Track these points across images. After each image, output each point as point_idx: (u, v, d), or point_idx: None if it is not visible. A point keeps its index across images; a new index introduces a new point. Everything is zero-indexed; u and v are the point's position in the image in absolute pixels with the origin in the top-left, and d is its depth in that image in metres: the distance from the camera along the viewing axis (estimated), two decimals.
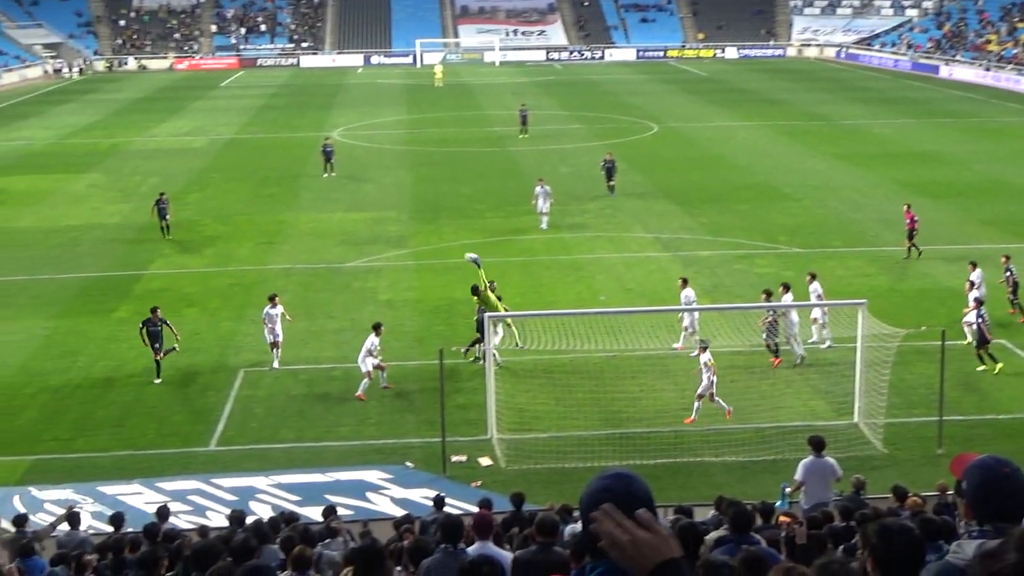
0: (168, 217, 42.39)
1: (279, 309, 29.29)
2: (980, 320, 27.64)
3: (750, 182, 51.73)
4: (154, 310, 28.52)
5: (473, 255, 30.63)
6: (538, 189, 43.06)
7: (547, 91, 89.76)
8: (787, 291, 29.28)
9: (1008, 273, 31.57)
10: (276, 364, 28.99)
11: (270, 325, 29.04)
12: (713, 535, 12.44)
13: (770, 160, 57.79)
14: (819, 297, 29.88)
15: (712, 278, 36.35)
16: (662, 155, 59.78)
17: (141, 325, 28.32)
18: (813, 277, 30.60)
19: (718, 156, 59.23)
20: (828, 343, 29.56)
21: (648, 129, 69.34)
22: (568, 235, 41.82)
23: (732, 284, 35.62)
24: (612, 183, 48.57)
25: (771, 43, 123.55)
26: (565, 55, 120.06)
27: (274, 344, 29.09)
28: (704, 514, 17.39)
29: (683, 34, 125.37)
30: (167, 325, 28.40)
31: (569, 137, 66.24)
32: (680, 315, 29.79)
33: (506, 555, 11.61)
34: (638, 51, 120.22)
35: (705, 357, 25.19)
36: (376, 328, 27.61)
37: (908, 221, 37.42)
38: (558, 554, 10.04)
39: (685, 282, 30.69)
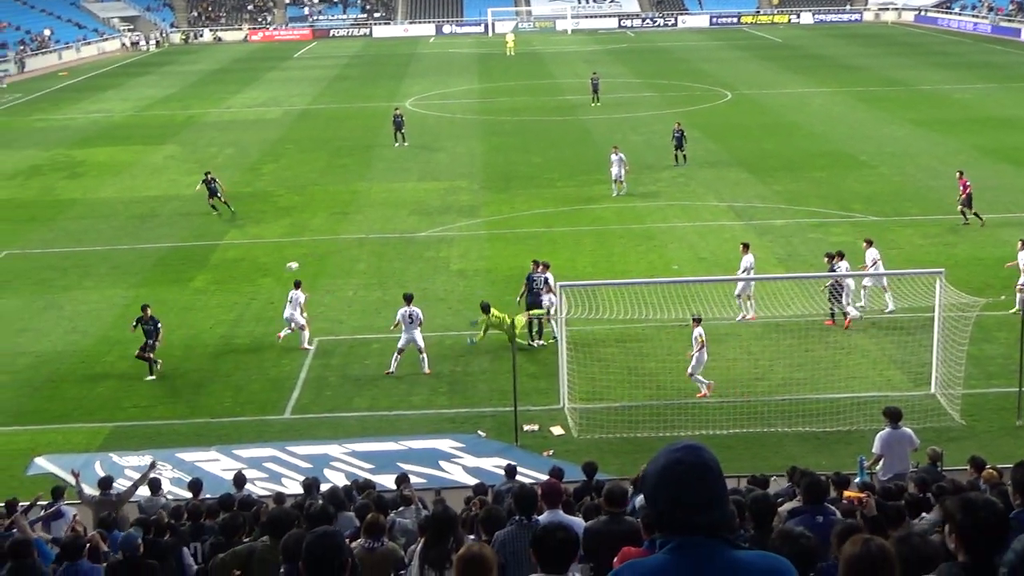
0: (220, 195, 42.13)
1: (301, 296, 28.97)
2: None
3: (825, 149, 51.07)
4: (144, 308, 27.82)
5: (293, 264, 31.04)
6: (613, 157, 42.92)
7: (619, 59, 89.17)
8: (841, 259, 28.93)
9: None
10: (308, 344, 28.87)
11: (293, 309, 28.80)
12: (787, 506, 12.36)
13: (846, 127, 56.99)
14: (876, 263, 29.51)
15: (786, 247, 35.99)
16: (735, 123, 59.19)
17: (135, 323, 27.66)
18: (870, 243, 30.25)
19: (793, 123, 58.53)
20: (890, 307, 29.28)
21: (721, 96, 68.66)
22: (640, 204, 41.61)
23: (807, 253, 35.22)
24: (682, 152, 48.18)
25: (847, 7, 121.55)
26: (637, 22, 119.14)
27: (301, 327, 28.84)
28: (777, 485, 17.29)
29: (757, 0, 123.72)
30: (156, 328, 27.42)
31: (641, 105, 65.81)
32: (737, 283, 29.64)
33: (579, 522, 11.64)
34: (711, 17, 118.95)
35: (697, 332, 24.87)
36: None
37: (962, 188, 36.83)
38: (628, 523, 10.05)
39: (746, 247, 30.38)
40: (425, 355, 26.94)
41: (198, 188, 42.83)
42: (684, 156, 48.20)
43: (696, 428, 23.12)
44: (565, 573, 6.68)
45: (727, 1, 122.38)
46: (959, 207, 37.09)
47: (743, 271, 29.81)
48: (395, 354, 26.94)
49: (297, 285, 28.96)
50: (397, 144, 54.45)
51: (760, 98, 67.50)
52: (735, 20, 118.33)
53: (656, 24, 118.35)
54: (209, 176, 42.55)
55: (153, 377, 27.39)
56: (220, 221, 41.51)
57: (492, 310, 27.50)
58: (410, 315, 26.85)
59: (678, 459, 4.04)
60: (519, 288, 29.55)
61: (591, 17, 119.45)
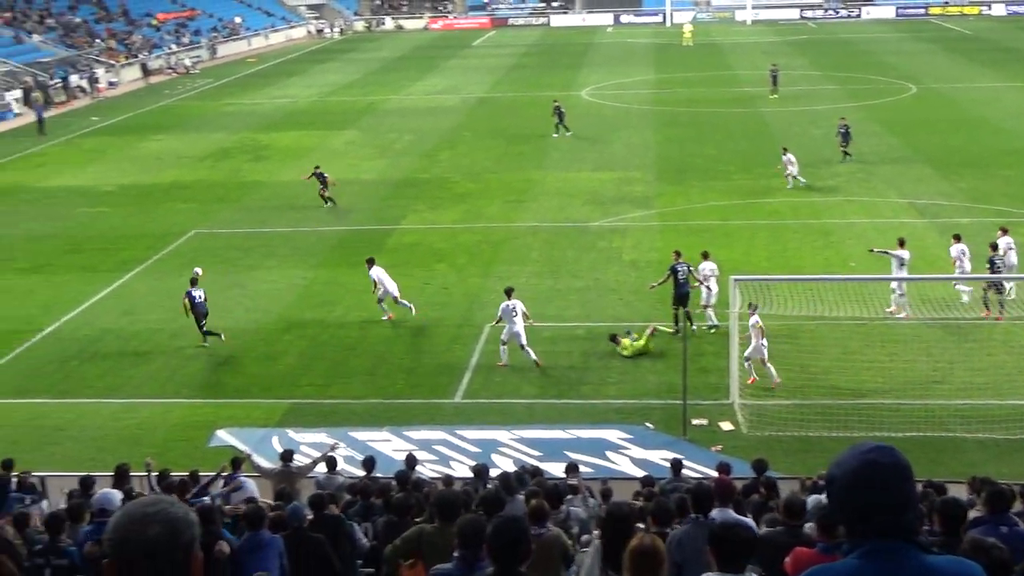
0: (327, 190, 42.31)
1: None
2: None
3: (1016, 146, 49.15)
4: (193, 280, 29.35)
5: (198, 269, 30.87)
6: (784, 158, 42.22)
7: (799, 50, 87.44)
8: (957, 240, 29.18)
9: None
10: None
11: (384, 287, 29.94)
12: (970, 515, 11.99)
13: None
14: (964, 256, 28.97)
15: (970, 247, 34.76)
16: (920, 117, 57.43)
17: (186, 296, 28.85)
18: (958, 238, 29.65)
19: (981, 119, 56.48)
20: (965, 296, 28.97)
21: (906, 90, 66.68)
22: (818, 199, 40.81)
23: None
24: (846, 148, 46.88)
25: None
26: (820, 13, 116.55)
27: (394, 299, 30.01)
28: (954, 493, 16.80)
29: None
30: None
31: (821, 98, 64.42)
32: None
33: (751, 522, 11.53)
34: (897, 8, 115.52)
35: (754, 320, 24.61)
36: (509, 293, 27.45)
37: None
38: (806, 536, 9.90)
39: (902, 243, 29.43)
40: (529, 349, 26.73)
41: (307, 179, 43.00)
42: (847, 153, 46.85)
43: (870, 429, 22.59)
44: (743, 572, 6.63)
45: None
46: None
47: (898, 265, 28.96)
48: (501, 346, 27.02)
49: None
50: (556, 135, 54.55)
51: (947, 92, 65.31)
52: (922, 11, 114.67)
53: (839, 15, 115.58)
54: (318, 169, 42.89)
55: (207, 344, 28.82)
56: (397, 206, 42.30)
57: (622, 341, 27.28)
58: (512, 308, 26.85)
59: (873, 460, 3.95)
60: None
61: (771, 7, 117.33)
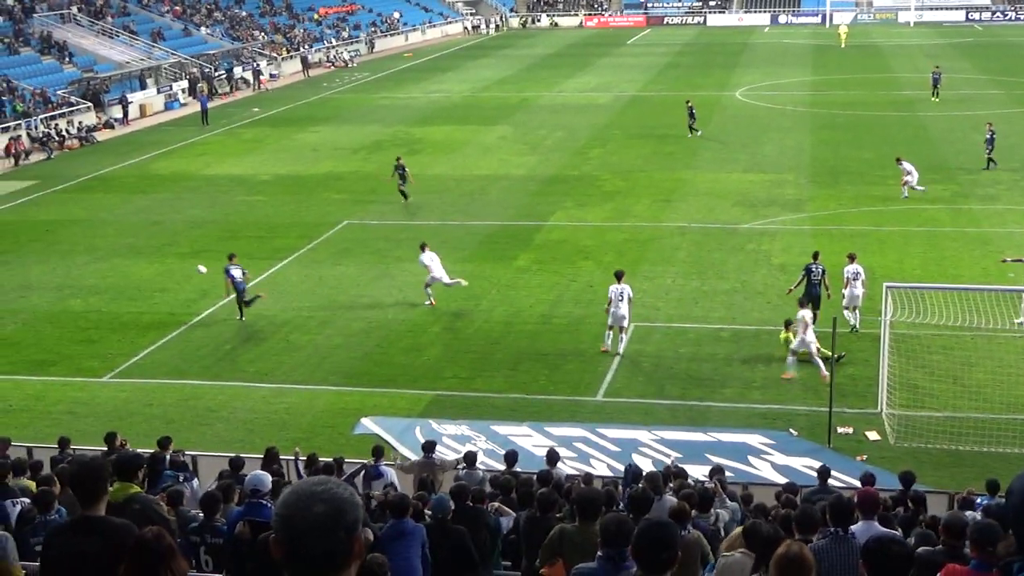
0: (405, 185, 42.59)
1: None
2: None
3: None
4: (231, 256, 31.21)
5: (202, 268, 32.16)
6: (901, 167, 41.20)
7: (964, 53, 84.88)
8: None
9: None
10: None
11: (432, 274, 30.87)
12: None
13: None
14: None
15: None
16: None
17: (226, 275, 30.50)
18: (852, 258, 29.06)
19: None
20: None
21: None
22: (977, 207, 39.60)
23: None
24: (991, 155, 45.51)
25: None
26: (987, 15, 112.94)
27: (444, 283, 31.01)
28: None
29: None
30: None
31: (985, 103, 62.43)
32: None
33: (903, 538, 11.27)
34: None
35: (801, 314, 25.82)
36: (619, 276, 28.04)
37: None
38: (965, 557, 9.63)
39: None
40: (625, 335, 27.67)
41: (391, 177, 43.19)
42: (992, 160, 45.47)
43: None
44: None
45: None
46: None
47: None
48: (607, 331, 27.74)
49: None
50: (691, 135, 54.05)
51: None
52: None
53: (1007, 17, 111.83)
54: (400, 161, 43.14)
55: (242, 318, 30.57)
56: (546, 202, 42.47)
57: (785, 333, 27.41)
58: (620, 292, 27.38)
59: None
60: (838, 285, 28.70)
61: (936, 9, 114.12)
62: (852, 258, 29.03)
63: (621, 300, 27.30)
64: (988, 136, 45.80)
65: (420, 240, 32.65)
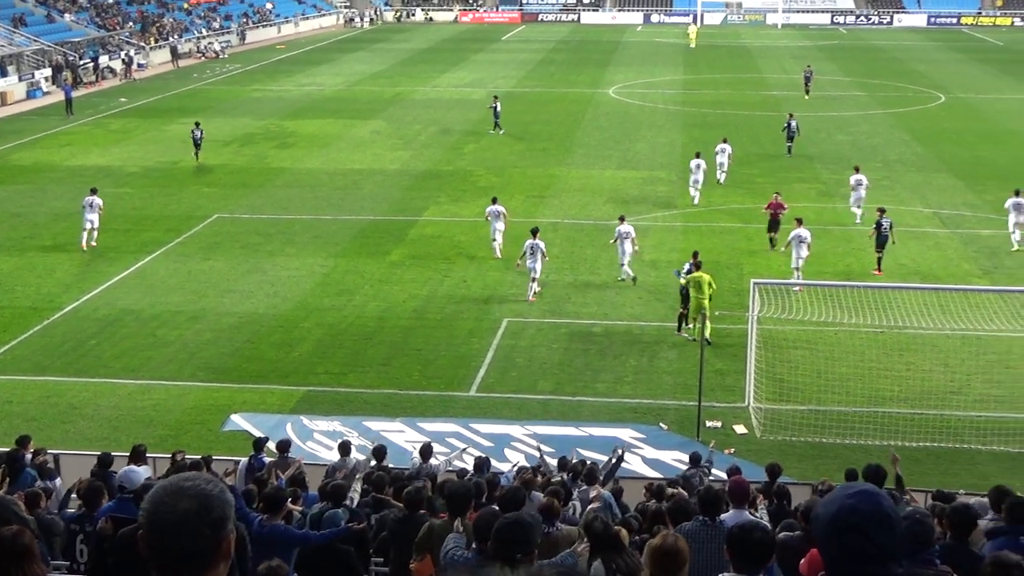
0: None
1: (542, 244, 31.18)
2: None
3: None
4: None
5: None
6: (695, 163, 41.96)
7: (829, 56, 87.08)
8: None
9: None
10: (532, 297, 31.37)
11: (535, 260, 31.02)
12: (985, 525, 11.93)
13: None
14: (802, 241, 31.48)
15: (993, 259, 34.67)
16: (947, 127, 57.13)
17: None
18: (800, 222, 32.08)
19: (1010, 131, 56.13)
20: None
21: (934, 99, 66.35)
22: (841, 205, 40.60)
23: (1014, 266, 33.86)
24: (791, 145, 49.19)
25: None
26: (851, 19, 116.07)
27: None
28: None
29: (979, 0, 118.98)
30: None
31: (849, 104, 64.17)
32: None
33: (766, 524, 11.49)
34: (929, 17, 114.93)
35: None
36: (535, 232, 30.98)
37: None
38: None
39: (800, 222, 32.10)
40: (536, 285, 30.82)
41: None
42: (790, 148, 49.07)
43: (884, 438, 22.54)
44: (758, 575, 6.60)
45: (947, 1, 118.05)
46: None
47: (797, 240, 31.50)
48: (530, 283, 30.66)
49: (534, 233, 31.09)
50: (492, 132, 54.91)
51: (976, 103, 64.96)
52: (955, 20, 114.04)
53: (870, 22, 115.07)
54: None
55: None
56: (420, 197, 42.41)
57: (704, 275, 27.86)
58: (532, 247, 30.44)
59: (852, 507, 3.76)
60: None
61: (803, 12, 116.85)
62: (799, 221, 32.13)
63: (533, 254, 30.29)
64: (788, 125, 49.09)
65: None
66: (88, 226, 35.85)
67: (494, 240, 34.91)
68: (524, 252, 30.79)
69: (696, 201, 41.18)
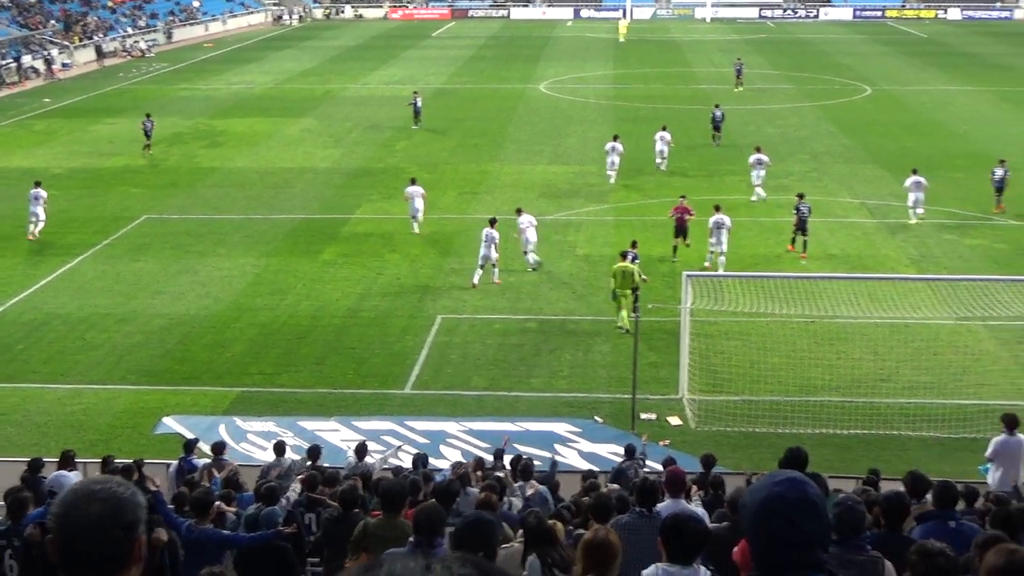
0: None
1: (496, 234, 31.98)
2: None
3: (967, 150, 49.68)
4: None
5: None
6: (610, 145, 44.19)
7: (758, 49, 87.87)
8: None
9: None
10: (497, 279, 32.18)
11: (487, 249, 31.70)
12: (915, 510, 12.09)
13: (991, 128, 55.32)
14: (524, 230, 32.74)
15: (920, 247, 35.20)
16: (874, 119, 57.91)
17: None
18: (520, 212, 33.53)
19: (934, 122, 57.04)
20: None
21: (861, 91, 67.23)
22: (771, 197, 40.98)
23: (940, 255, 34.42)
24: (719, 134, 50.47)
25: (997, 4, 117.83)
26: (778, 12, 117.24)
27: (493, 264, 31.98)
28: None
29: None
30: None
31: (778, 97, 64.82)
32: None
33: (703, 513, 11.57)
34: (855, 10, 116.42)
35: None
36: (493, 222, 31.95)
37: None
38: None
39: (718, 208, 33.25)
40: (497, 268, 31.68)
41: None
42: (718, 137, 50.34)
43: (816, 426, 22.83)
44: (692, 565, 6.63)
45: None
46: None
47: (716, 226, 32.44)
48: (477, 269, 31.36)
49: (492, 223, 32.04)
50: (415, 127, 55.25)
51: (901, 95, 65.91)
52: (880, 14, 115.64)
53: (797, 15, 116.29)
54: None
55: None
56: (352, 195, 42.22)
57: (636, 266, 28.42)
58: (487, 235, 31.30)
59: (779, 494, 3.77)
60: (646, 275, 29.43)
61: (731, 6, 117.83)
62: (718, 208, 32.94)
63: (488, 242, 31.29)
64: (713, 115, 50.71)
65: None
66: (34, 219, 36.52)
67: (413, 218, 36.63)
68: (484, 240, 31.60)
69: (612, 181, 43.18)
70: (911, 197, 37.90)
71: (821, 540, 3.83)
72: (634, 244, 30.23)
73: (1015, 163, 46.77)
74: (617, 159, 43.40)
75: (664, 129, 46.48)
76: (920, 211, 37.88)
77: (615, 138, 44.31)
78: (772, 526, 3.77)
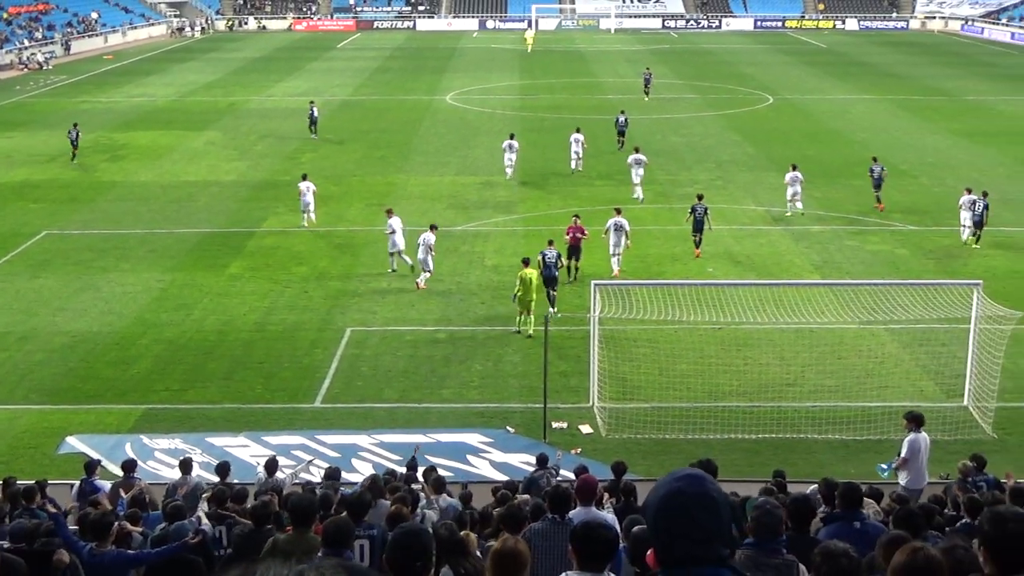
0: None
1: (432, 238, 32.63)
2: None
3: (866, 157, 50.41)
4: None
5: None
6: (506, 143, 46.45)
7: (662, 59, 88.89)
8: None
9: None
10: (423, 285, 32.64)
11: (425, 253, 32.44)
12: (821, 511, 12.28)
13: (888, 135, 56.59)
14: (394, 232, 33.74)
15: (822, 253, 35.82)
16: (776, 127, 58.90)
17: None
18: (390, 212, 34.60)
19: (834, 130, 58.17)
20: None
21: (763, 100, 68.34)
22: (677, 206, 41.45)
23: (843, 260, 35.05)
24: (623, 139, 51.94)
25: (893, 15, 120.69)
26: (681, 23, 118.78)
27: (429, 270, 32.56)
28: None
29: (803, 4, 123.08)
30: None
31: (683, 106, 65.60)
32: None
33: (613, 519, 11.61)
34: (756, 21, 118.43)
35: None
36: (433, 228, 32.83)
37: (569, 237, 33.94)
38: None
39: (618, 211, 34.42)
40: (424, 276, 32.36)
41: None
42: (622, 143, 51.63)
43: (725, 432, 23.07)
44: (603, 572, 6.63)
45: (772, 5, 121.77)
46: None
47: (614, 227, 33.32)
48: (423, 272, 32.30)
49: (432, 228, 32.90)
50: (313, 136, 55.60)
51: (802, 103, 67.14)
52: (779, 24, 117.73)
53: (700, 26, 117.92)
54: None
55: None
56: (257, 208, 41.80)
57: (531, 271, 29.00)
58: (423, 240, 32.29)
59: (679, 489, 3.84)
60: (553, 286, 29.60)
61: (635, 17, 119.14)
62: (618, 211, 34.05)
63: (428, 248, 32.11)
64: (617, 120, 52.34)
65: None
66: None
67: (304, 212, 38.38)
68: (419, 244, 32.46)
69: (509, 176, 45.84)
70: (789, 191, 40.16)
71: (720, 535, 3.87)
72: (550, 243, 31.08)
73: (910, 170, 48.01)
74: (514, 156, 45.79)
75: (578, 131, 47.89)
76: (799, 204, 39.94)
77: (511, 136, 46.74)
78: (672, 520, 3.83)
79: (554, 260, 30.41)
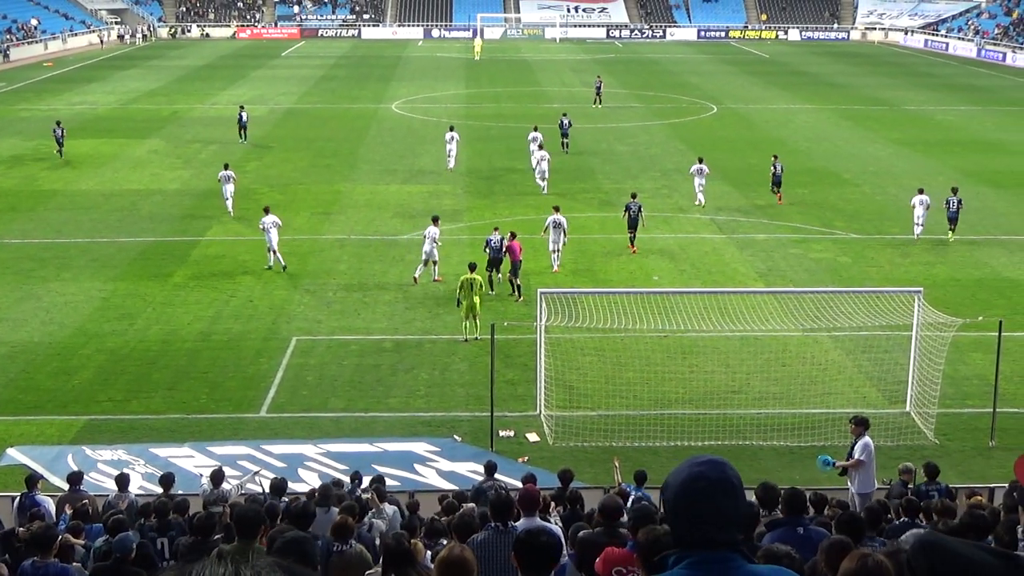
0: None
1: (436, 231, 33.22)
2: None
3: (808, 166, 51.25)
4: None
5: None
6: (532, 134, 48.42)
7: (607, 69, 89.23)
8: (557, 211, 35.10)
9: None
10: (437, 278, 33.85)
11: (431, 245, 33.09)
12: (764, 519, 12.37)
13: (830, 144, 57.23)
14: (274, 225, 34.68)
15: (767, 261, 36.13)
16: (720, 136, 59.36)
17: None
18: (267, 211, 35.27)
19: (777, 139, 58.66)
20: None
21: (707, 110, 68.86)
22: (623, 214, 41.61)
23: (787, 268, 35.37)
24: (567, 140, 53.59)
25: (835, 26, 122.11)
26: (626, 33, 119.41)
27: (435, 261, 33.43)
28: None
29: (745, 15, 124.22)
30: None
31: (628, 115, 65.94)
32: None
33: (557, 529, 11.62)
34: (699, 31, 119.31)
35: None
36: (435, 220, 33.47)
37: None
38: (623, 536, 10.06)
39: (557, 209, 35.64)
40: (437, 266, 33.44)
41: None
42: (566, 144, 53.24)
43: (671, 439, 23.18)
44: None
45: (715, 15, 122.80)
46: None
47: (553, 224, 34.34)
48: (420, 265, 33.10)
49: (435, 221, 33.40)
50: (241, 141, 55.72)
51: (746, 113, 67.74)
52: (723, 34, 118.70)
53: (644, 36, 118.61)
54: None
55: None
56: (202, 217, 41.47)
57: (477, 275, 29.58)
58: (428, 233, 32.89)
59: (700, 474, 3.96)
60: (499, 294, 29.62)
61: (580, 26, 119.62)
62: (556, 209, 35.06)
63: (433, 241, 32.68)
64: (560, 123, 53.77)
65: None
66: None
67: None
68: (423, 237, 33.40)
69: (451, 167, 49.24)
70: (696, 182, 42.94)
71: (737, 520, 4.01)
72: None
73: (853, 179, 48.59)
74: (455, 148, 48.37)
75: (535, 129, 49.38)
76: (701, 197, 42.92)
77: (451, 128, 49.50)
78: (693, 503, 3.95)
79: (498, 244, 32.39)
